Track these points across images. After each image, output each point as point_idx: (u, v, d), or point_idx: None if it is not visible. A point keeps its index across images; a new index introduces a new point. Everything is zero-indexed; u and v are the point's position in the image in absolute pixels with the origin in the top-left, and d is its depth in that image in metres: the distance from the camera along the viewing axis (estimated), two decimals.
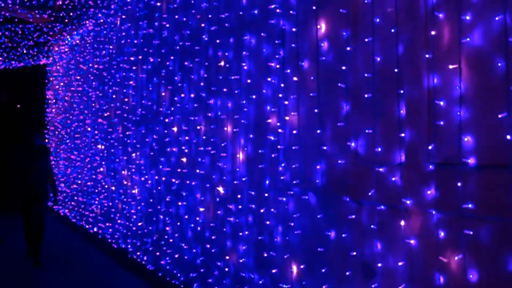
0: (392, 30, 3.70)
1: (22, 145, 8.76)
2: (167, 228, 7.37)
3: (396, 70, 3.66)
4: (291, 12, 4.76)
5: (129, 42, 9.00)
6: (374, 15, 3.87)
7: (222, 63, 5.92)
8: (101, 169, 10.52)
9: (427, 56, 3.46)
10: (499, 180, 3.00)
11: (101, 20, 10.69)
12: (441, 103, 3.35)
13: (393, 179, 3.68)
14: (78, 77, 12.64)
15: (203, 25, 6.38)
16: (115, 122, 9.63)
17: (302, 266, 4.60)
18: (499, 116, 2.99)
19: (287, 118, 4.81)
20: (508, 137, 2.93)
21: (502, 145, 2.98)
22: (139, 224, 8.39)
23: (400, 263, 3.61)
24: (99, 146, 10.63)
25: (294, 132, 4.71)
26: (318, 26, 4.44)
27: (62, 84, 14.48)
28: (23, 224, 8.89)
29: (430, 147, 3.42)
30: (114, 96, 9.77)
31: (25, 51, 13.67)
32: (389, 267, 3.72)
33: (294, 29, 4.73)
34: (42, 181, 8.75)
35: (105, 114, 10.26)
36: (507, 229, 2.94)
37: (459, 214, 3.19)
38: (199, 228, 6.46)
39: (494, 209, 3.03)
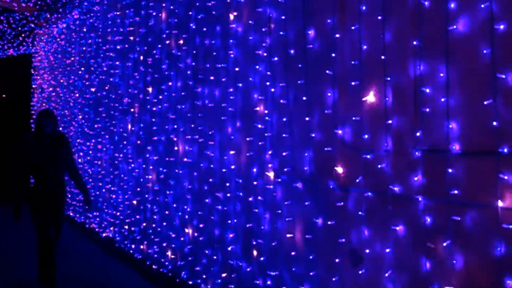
0: (379, 18, 3.69)
1: (31, 135, 6.32)
2: (155, 217, 7.35)
3: (383, 57, 3.65)
4: (278, 0, 4.74)
5: (115, 30, 8.91)
6: (361, 2, 3.86)
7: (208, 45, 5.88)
8: (88, 158, 10.45)
9: (414, 43, 3.45)
10: (485, 166, 3.01)
11: (87, 9, 10.57)
12: (427, 90, 3.35)
13: (380, 166, 3.69)
14: (64, 66, 12.52)
15: (190, 13, 6.33)
16: (102, 111, 9.56)
17: (292, 253, 4.61)
18: (485, 102, 3.00)
19: (275, 105, 4.80)
20: (494, 123, 2.94)
21: (488, 131, 2.99)
22: (127, 212, 8.36)
23: (387, 250, 3.63)
24: (86, 135, 10.55)
25: (282, 120, 4.70)
26: (305, 14, 4.42)
27: (48, 73, 14.34)
28: (37, 241, 6.19)
29: (417, 134, 3.42)
30: (100, 85, 9.70)
31: (10, 40, 13.50)
32: (376, 253, 3.74)
33: (282, 17, 4.71)
34: (59, 180, 6.27)
35: (92, 103, 10.18)
36: (493, 215, 2.96)
37: (446, 200, 3.20)
38: (186, 217, 6.45)
39: (480, 195, 3.05)
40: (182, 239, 6.57)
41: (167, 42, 6.92)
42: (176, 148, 6.73)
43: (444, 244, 3.22)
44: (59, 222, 6.32)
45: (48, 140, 6.21)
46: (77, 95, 11.21)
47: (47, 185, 6.15)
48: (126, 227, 8.42)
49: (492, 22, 2.98)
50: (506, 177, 2.89)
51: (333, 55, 4.11)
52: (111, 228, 9.10)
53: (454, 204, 3.17)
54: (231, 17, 5.48)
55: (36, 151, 6.12)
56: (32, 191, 6.18)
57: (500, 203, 2.92)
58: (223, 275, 5.60)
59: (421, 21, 3.41)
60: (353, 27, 3.93)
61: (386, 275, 3.62)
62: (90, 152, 10.30)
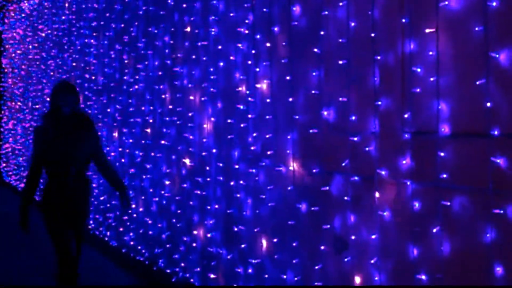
0: None
1: (45, 120, 4.80)
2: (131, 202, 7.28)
3: (372, 35, 3.61)
4: None
5: (89, 7, 8.76)
6: None
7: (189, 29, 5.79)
8: None
9: (403, 20, 3.41)
10: (476, 149, 3.00)
11: None
12: (418, 69, 3.32)
13: (367, 148, 3.66)
14: (36, 45, 12.31)
15: None
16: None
17: (274, 240, 4.58)
18: (477, 83, 2.97)
19: (257, 86, 4.74)
20: (488, 104, 2.92)
21: (480, 113, 2.97)
22: (101, 198, 8.28)
23: (373, 236, 3.61)
24: None
25: (265, 101, 4.65)
26: None
27: (18, 52, 14.10)
28: (57, 258, 4.75)
29: (405, 116, 3.39)
30: (74, 64, 9.55)
31: None
32: (362, 240, 3.72)
33: None
34: (82, 178, 4.83)
35: None
36: (484, 200, 2.94)
37: (435, 184, 3.19)
38: (164, 202, 6.39)
39: (470, 179, 3.04)
40: (159, 225, 6.51)
41: (144, 19, 6.81)
42: (153, 130, 6.65)
43: (433, 230, 3.21)
44: (80, 233, 4.93)
45: (68, 124, 4.73)
46: (51, 74, 11.03)
47: (67, 185, 4.72)
48: (101, 213, 8.34)
49: None
50: (497, 161, 2.88)
51: (320, 33, 4.06)
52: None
53: (443, 188, 3.15)
54: None
55: (52, 141, 4.68)
56: (46, 193, 4.79)
57: (491, 188, 2.91)
58: (203, 263, 5.57)
59: None
60: (340, 3, 3.87)
61: (372, 262, 3.60)
62: None
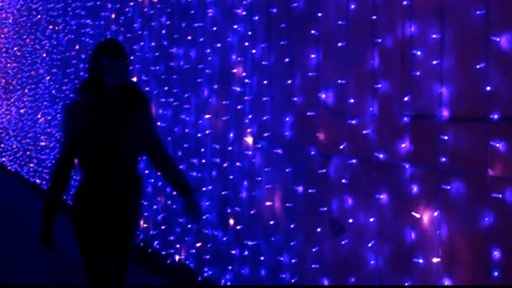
0: None
1: (85, 92, 3.51)
2: None
3: (373, 17, 3.56)
4: None
5: None
6: None
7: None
8: (56, 122, 10.25)
9: (404, 3, 3.36)
10: (475, 133, 2.98)
11: None
12: (418, 53, 3.28)
13: (365, 132, 3.63)
14: (30, 25, 12.17)
15: None
16: (71, 72, 9.33)
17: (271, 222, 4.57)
18: (477, 67, 2.94)
19: (255, 67, 4.70)
20: (488, 88, 2.89)
21: (480, 97, 2.94)
22: None
23: (370, 219, 3.60)
24: (53, 98, 10.33)
25: (262, 82, 4.60)
26: None
27: (12, 32, 13.95)
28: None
29: (405, 99, 3.36)
30: (69, 44, 9.45)
31: None
32: (359, 223, 3.71)
33: None
34: (129, 175, 3.57)
35: (60, 64, 9.94)
36: (482, 184, 2.93)
37: (434, 168, 3.17)
38: (159, 184, 6.36)
39: (469, 163, 3.02)
40: (154, 207, 6.49)
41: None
42: None
43: (431, 213, 3.20)
44: (126, 256, 3.63)
45: (113, 100, 3.45)
46: (44, 54, 10.92)
47: (109, 186, 3.44)
48: None
49: None
50: (497, 145, 2.86)
51: (319, 14, 4.01)
52: None
53: (442, 172, 3.14)
54: None
55: (90, 123, 3.39)
56: (79, 196, 3.55)
57: (490, 172, 2.89)
58: (198, 244, 5.55)
59: None
60: None
61: (369, 245, 3.60)
62: (58, 116, 10.09)
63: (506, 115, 2.85)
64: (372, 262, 3.58)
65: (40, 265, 6.53)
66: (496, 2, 2.88)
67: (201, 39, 5.43)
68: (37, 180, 11.53)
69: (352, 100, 3.74)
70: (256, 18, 4.67)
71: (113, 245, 3.55)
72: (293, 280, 4.28)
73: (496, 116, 2.88)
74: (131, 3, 6.97)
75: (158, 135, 3.76)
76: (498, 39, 2.86)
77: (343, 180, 3.80)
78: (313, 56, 4.08)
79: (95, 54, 3.49)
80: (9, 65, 14.18)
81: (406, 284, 3.34)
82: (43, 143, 11.06)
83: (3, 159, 14.28)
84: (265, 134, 4.57)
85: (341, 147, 3.80)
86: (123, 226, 3.57)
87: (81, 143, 3.44)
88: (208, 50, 5.32)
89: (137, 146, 3.56)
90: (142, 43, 6.71)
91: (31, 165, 11.98)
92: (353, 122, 3.72)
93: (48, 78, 10.73)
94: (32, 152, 11.99)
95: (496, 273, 2.86)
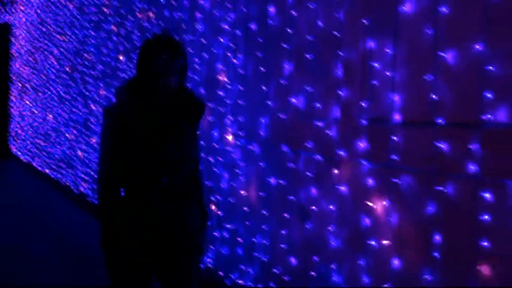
0: None
1: (131, 95, 2.46)
2: None
3: (337, 33, 3.54)
4: None
5: (91, 2, 8.51)
6: None
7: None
8: (64, 120, 10.09)
9: (364, 22, 3.35)
10: (423, 135, 2.97)
11: None
12: (376, 65, 3.27)
13: (329, 132, 3.61)
14: (41, 34, 11.97)
15: None
16: (77, 77, 9.19)
17: (245, 209, 4.53)
18: (426, 78, 2.93)
19: (235, 75, 4.65)
20: (434, 96, 2.89)
21: (427, 104, 2.94)
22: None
23: (331, 207, 3.58)
24: (62, 99, 10.16)
25: (242, 88, 4.56)
26: None
27: (26, 40, 13.70)
28: None
29: (363, 104, 3.35)
30: (76, 53, 9.30)
31: None
32: (321, 210, 3.69)
33: None
34: (180, 196, 2.57)
35: (67, 70, 9.78)
36: (427, 178, 2.93)
37: (387, 165, 3.16)
38: None
39: (417, 161, 3.02)
40: None
41: (138, 15, 6.63)
42: None
43: (383, 203, 3.18)
44: (186, 279, 2.58)
45: (165, 107, 2.50)
46: (54, 61, 10.74)
47: (154, 207, 2.50)
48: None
49: (435, 4, 2.90)
50: (441, 146, 2.86)
51: (291, 30, 3.98)
52: (84, 185, 8.84)
53: (394, 168, 3.13)
54: None
55: (135, 132, 2.46)
56: (121, 216, 2.53)
57: (434, 169, 2.89)
58: None
59: (373, 1, 3.30)
60: (310, 5, 3.79)
61: (330, 229, 3.58)
62: (65, 115, 9.93)
63: (450, 120, 2.85)
64: (332, 243, 3.56)
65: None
66: (443, 23, 2.87)
67: (191, 51, 5.37)
68: (47, 170, 11.34)
69: (318, 105, 3.72)
70: (238, 32, 4.62)
71: (152, 274, 2.57)
72: (265, 259, 4.25)
73: (441, 121, 2.87)
74: (131, 18, 6.87)
75: (198, 151, 2.78)
76: (444, 55, 2.86)
77: (309, 174, 3.77)
78: (286, 66, 4.05)
79: (146, 51, 2.46)
80: (23, 69, 13.93)
81: (359, 262, 3.33)
82: (52, 139, 10.88)
83: (19, 152, 14.03)
84: (244, 133, 4.53)
85: (308, 145, 3.77)
86: (171, 260, 2.54)
87: (125, 155, 2.44)
88: (197, 59, 5.26)
89: (189, 162, 2.59)
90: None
91: (43, 157, 11.79)
92: (319, 124, 3.70)
93: (57, 81, 10.56)
94: (42, 146, 11.79)
95: (436, 254, 2.86)
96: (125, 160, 2.46)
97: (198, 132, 2.66)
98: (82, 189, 8.86)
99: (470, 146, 2.70)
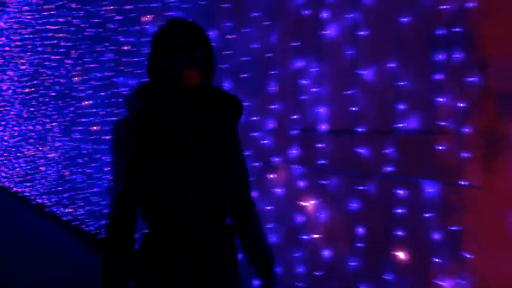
0: (267, 23, 3.51)
1: (147, 104, 1.46)
2: (82, 185, 6.77)
3: (270, 55, 3.48)
4: (185, 5, 4.42)
5: (47, 28, 8.07)
6: (253, 10, 3.66)
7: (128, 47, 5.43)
8: (25, 137, 9.48)
9: (294, 44, 3.31)
10: (346, 142, 2.95)
11: (19, 9, 9.52)
12: (304, 81, 3.23)
13: (265, 141, 3.53)
14: (1, 59, 11.25)
15: (112, 14, 5.81)
16: (36, 96, 8.67)
17: None
18: (347, 92, 2.92)
19: None
20: (354, 109, 2.87)
21: (349, 115, 2.92)
22: (57, 182, 7.65)
23: (269, 207, 3.49)
24: (21, 118, 9.55)
25: None
26: (208, 18, 4.15)
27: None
28: None
29: (294, 117, 3.30)
30: (33, 74, 8.78)
31: None
32: (261, 210, 3.58)
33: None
34: (218, 234, 1.53)
35: (27, 90, 9.22)
36: (350, 179, 2.90)
37: (315, 168, 3.11)
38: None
39: (342, 164, 2.99)
40: (103, 203, 6.08)
41: (90, 39, 6.33)
42: (96, 128, 6.21)
43: (313, 202, 3.13)
44: None
45: (194, 113, 1.54)
46: (14, 82, 10.10)
47: (189, 243, 1.50)
48: (56, 194, 7.72)
49: (355, 29, 2.89)
50: (361, 151, 2.84)
51: (229, 52, 3.88)
52: (43, 196, 8.32)
53: (322, 171, 3.09)
54: (145, 19, 5.07)
55: (159, 153, 1.46)
56: (145, 258, 1.53)
57: (356, 171, 2.87)
58: None
59: (300, 27, 3.27)
60: (246, 30, 3.72)
61: (269, 226, 3.48)
62: (26, 130, 9.34)
63: (368, 129, 2.84)
64: (271, 238, 3.47)
65: None
66: (362, 45, 2.87)
67: (139, 71, 5.15)
68: (7, 184, 10.60)
69: (255, 118, 3.64)
70: None
71: None
72: None
73: (361, 129, 2.86)
74: (83, 43, 6.56)
75: (247, 173, 1.81)
76: (363, 73, 2.85)
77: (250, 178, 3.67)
78: (226, 84, 3.95)
79: (159, 42, 1.54)
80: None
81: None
82: (13, 154, 10.20)
83: None
84: None
85: (248, 153, 3.67)
86: None
87: (144, 188, 1.50)
88: (145, 80, 5.05)
89: (228, 189, 1.62)
90: (93, 74, 6.30)
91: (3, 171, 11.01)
92: (256, 134, 3.61)
93: (17, 100, 9.94)
94: (4, 160, 11.03)
95: (360, 244, 2.84)
96: (146, 193, 1.50)
97: (238, 139, 1.67)
98: (42, 199, 8.33)
99: (386, 150, 2.71)
